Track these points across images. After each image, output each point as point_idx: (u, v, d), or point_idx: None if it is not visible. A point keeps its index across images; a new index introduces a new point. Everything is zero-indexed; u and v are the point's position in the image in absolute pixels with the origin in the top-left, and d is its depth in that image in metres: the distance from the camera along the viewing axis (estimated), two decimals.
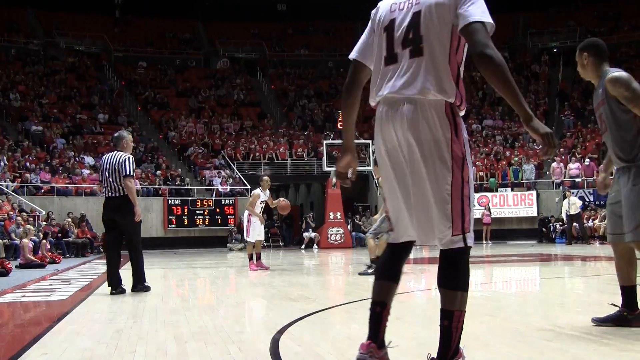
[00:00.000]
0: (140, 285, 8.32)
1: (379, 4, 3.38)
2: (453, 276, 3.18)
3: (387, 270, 3.45)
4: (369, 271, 10.20)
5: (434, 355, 3.27)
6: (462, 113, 3.18)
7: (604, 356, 3.80)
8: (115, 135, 8.85)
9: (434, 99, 3.07)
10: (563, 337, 4.42)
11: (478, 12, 3.04)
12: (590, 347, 4.05)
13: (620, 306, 4.62)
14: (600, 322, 4.71)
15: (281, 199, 13.18)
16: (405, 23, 3.18)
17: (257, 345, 4.41)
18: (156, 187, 26.41)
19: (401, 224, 3.30)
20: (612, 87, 4.54)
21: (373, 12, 3.39)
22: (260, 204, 12.59)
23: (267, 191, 12.75)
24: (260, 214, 12.69)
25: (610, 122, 4.60)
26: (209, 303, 7.49)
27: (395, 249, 3.41)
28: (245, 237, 13.24)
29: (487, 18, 3.04)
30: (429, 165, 3.07)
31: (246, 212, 12.82)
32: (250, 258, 12.58)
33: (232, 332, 4.99)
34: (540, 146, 3.02)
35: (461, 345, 3.28)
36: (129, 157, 8.36)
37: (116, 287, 8.09)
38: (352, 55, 3.41)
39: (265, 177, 12.98)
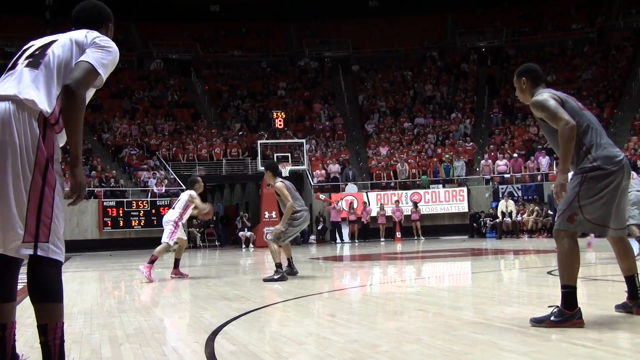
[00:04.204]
0: None
1: None
2: (39, 287, 3.12)
3: None
4: (275, 277, 9.32)
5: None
6: (60, 139, 3.26)
7: (530, 346, 3.94)
8: None
9: (29, 105, 3.12)
10: (492, 329, 4.56)
11: (97, 59, 3.28)
12: (517, 338, 4.20)
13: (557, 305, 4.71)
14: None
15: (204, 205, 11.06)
16: (39, 44, 3.40)
17: (193, 346, 4.42)
18: (91, 189, 25.89)
19: None
20: (534, 111, 4.82)
21: None
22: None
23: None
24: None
25: (550, 138, 4.86)
26: (145, 304, 7.41)
27: (2, 265, 3.28)
28: (167, 239, 10.81)
29: (100, 68, 3.27)
30: (8, 165, 3.05)
31: (176, 213, 10.86)
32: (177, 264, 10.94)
33: (167, 333, 4.99)
34: (72, 194, 3.20)
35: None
36: None
37: None
38: None
39: (200, 178, 11.39)
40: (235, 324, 5.31)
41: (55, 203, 3.13)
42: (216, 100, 37.13)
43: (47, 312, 3.09)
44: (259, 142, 28.27)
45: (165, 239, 10.79)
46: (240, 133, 32.71)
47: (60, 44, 3.34)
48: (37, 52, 3.32)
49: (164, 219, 11.10)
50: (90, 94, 3.39)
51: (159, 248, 10.70)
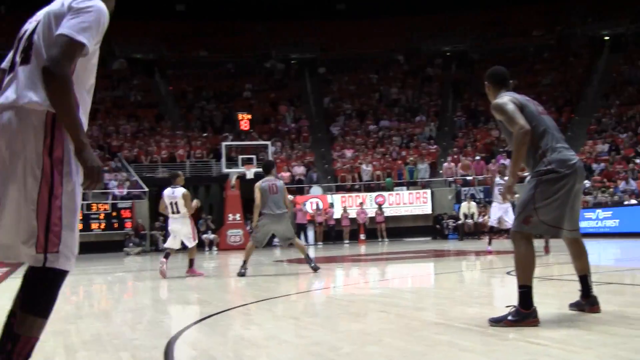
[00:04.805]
0: None
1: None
2: (30, 297, 2.93)
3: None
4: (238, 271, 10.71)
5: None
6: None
7: (488, 345, 3.99)
8: None
9: (32, 108, 2.91)
10: (453, 329, 4.60)
11: (74, 26, 2.90)
12: (476, 338, 4.25)
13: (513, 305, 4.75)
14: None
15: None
16: (28, 32, 3.11)
17: (151, 352, 4.35)
18: None
19: None
20: (494, 113, 4.93)
21: None
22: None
23: None
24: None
25: (510, 141, 4.91)
26: (104, 310, 7.31)
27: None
28: (192, 241, 11.39)
29: (79, 35, 2.89)
30: (18, 177, 2.89)
31: (185, 216, 11.30)
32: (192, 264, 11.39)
33: (125, 339, 4.90)
34: (85, 180, 2.94)
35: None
36: None
37: None
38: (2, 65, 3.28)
39: (180, 172, 12.11)
40: (196, 328, 5.27)
41: (64, 213, 2.93)
42: (180, 101, 36.86)
43: (26, 323, 2.90)
44: (224, 143, 28.11)
45: (192, 241, 11.36)
46: (205, 134, 32.52)
47: (43, 24, 3.01)
48: (26, 44, 3.03)
49: (176, 227, 11.39)
50: (90, 64, 3.12)
51: (190, 250, 11.42)
